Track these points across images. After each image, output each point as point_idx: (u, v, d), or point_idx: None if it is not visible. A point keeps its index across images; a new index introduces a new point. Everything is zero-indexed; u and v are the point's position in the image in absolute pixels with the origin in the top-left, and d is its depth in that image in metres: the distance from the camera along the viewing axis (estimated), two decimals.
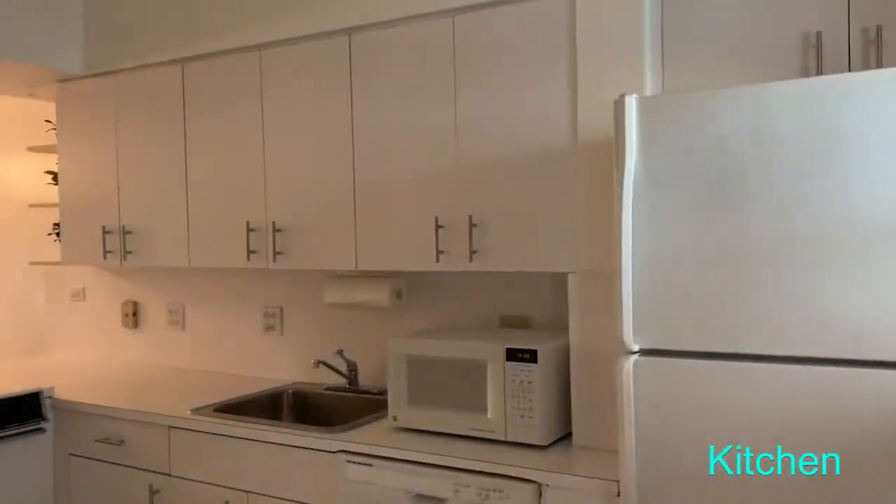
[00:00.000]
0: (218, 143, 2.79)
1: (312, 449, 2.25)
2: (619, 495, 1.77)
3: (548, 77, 2.14)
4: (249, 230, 2.70)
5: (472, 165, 2.27)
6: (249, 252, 2.70)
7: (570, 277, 2.06)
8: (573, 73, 2.08)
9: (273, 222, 2.65)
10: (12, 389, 2.73)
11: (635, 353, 1.64)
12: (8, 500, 2.65)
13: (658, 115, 1.63)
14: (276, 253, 2.65)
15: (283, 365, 3.09)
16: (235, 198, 2.75)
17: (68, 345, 3.75)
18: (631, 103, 1.64)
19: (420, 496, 2.05)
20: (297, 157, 2.61)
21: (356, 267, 2.50)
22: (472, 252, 2.25)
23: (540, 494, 1.89)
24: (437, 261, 2.32)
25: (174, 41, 2.86)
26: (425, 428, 2.20)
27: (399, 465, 2.08)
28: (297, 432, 2.28)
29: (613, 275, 1.70)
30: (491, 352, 2.09)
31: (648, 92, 1.97)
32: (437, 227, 2.31)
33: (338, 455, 2.19)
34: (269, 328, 3.12)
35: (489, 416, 2.09)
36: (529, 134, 2.18)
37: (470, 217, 2.25)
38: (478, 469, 1.97)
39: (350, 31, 2.48)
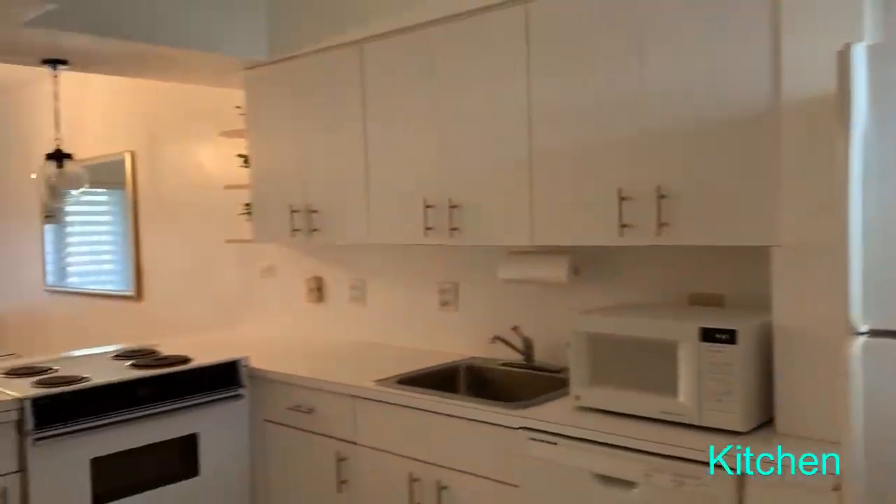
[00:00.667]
0: (395, 122, 2.84)
1: (495, 424, 2.24)
2: (834, 490, 1.61)
3: (746, 31, 1.96)
4: (427, 207, 2.72)
5: (660, 132, 2.13)
6: (426, 229, 2.73)
7: (775, 251, 1.88)
8: (775, 24, 1.89)
9: (449, 199, 2.65)
10: (214, 358, 2.95)
11: (864, 333, 1.47)
12: (215, 457, 2.87)
13: (892, 66, 1.43)
14: (452, 229, 2.66)
15: (458, 340, 3.11)
16: (413, 175, 2.78)
17: (258, 318, 4.01)
18: (859, 53, 1.45)
19: (607, 478, 1.98)
20: (473, 132, 2.59)
21: (532, 242, 2.45)
22: (661, 225, 2.12)
23: (742, 485, 1.76)
24: (621, 235, 2.22)
25: (352, 23, 2.93)
26: (609, 409, 2.12)
27: (585, 445, 2.02)
28: (482, 407, 2.28)
29: (828, 248, 1.53)
30: (683, 331, 1.97)
31: (869, 40, 1.74)
32: (621, 199, 2.20)
33: (519, 432, 2.17)
34: (444, 304, 3.15)
35: (680, 399, 1.97)
36: (724, 95, 2.01)
37: (657, 187, 2.12)
38: (671, 454, 1.87)
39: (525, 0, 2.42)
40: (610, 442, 1.98)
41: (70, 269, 5.82)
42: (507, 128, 2.49)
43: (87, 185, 3.23)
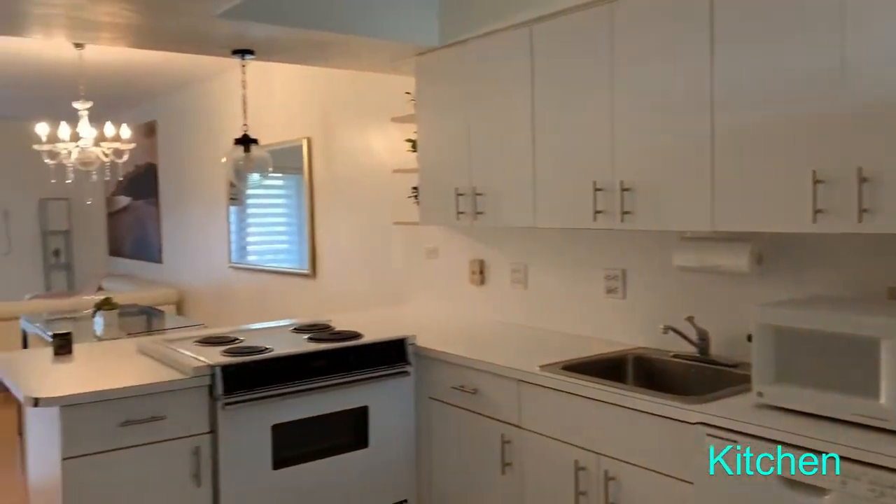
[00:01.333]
0: (564, 103, 2.78)
1: (667, 418, 2.14)
2: None
3: None
4: (596, 190, 2.65)
5: (863, 109, 1.93)
6: (596, 212, 2.66)
7: None
8: None
9: (621, 181, 2.57)
10: (383, 335, 3.05)
11: None
12: (383, 430, 2.98)
13: None
14: (623, 213, 2.57)
15: (624, 329, 3.02)
16: (582, 158, 2.72)
17: (422, 298, 4.11)
18: None
19: (794, 482, 1.84)
20: (647, 112, 2.48)
21: (713, 227, 2.32)
22: (862, 211, 1.93)
23: None
24: (814, 221, 2.04)
25: (522, 5, 2.90)
26: (796, 408, 1.97)
27: (769, 445, 1.89)
28: (657, 399, 2.19)
29: None
30: (888, 328, 1.78)
31: None
32: (815, 182, 2.03)
33: (696, 427, 2.06)
34: (610, 290, 3.07)
35: (882, 401, 1.79)
36: None
37: (859, 169, 1.93)
38: (871, 461, 1.70)
39: None
40: (799, 444, 1.84)
41: (249, 247, 6.27)
42: (687, 105, 2.36)
43: (270, 169, 3.44)
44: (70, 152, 4.87)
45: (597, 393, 2.35)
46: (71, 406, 2.34)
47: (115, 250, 9.24)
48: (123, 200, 8.83)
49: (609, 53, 2.59)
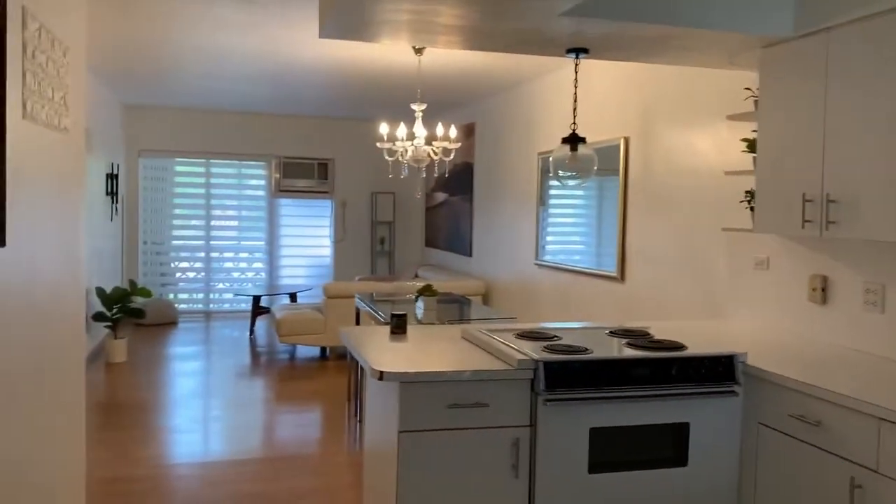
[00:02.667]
0: None
1: None
2: None
3: None
4: None
5: None
6: None
7: None
8: None
9: None
10: (707, 349, 2.85)
11: None
12: (704, 450, 2.78)
13: None
14: None
15: None
16: None
17: (748, 312, 3.78)
18: None
19: None
20: None
21: None
22: None
23: None
24: None
25: None
26: None
27: None
28: None
29: None
30: None
31: None
32: None
33: None
34: None
35: None
36: None
37: None
38: None
39: None
40: None
41: (547, 247, 6.34)
42: None
43: (595, 169, 3.40)
44: (406, 150, 5.32)
45: None
46: (409, 383, 2.52)
47: (430, 241, 10.00)
48: (440, 196, 9.51)
49: None
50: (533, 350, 2.73)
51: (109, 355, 6.99)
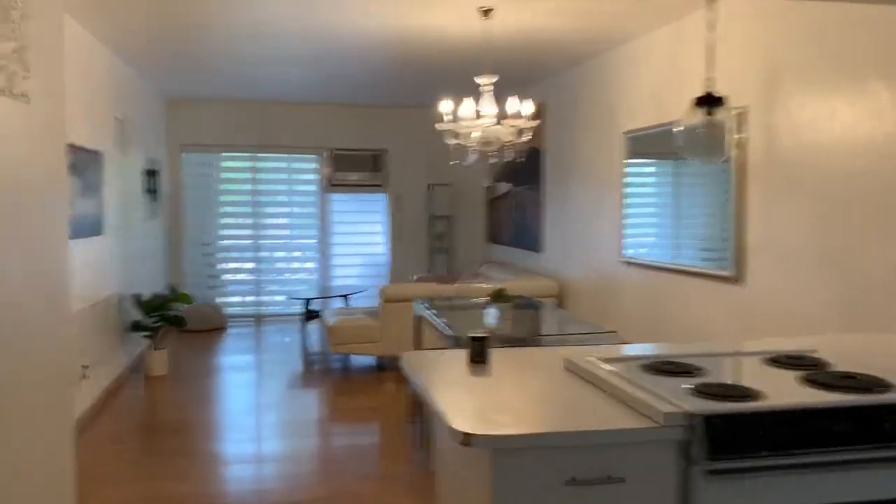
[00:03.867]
0: None
1: None
2: None
3: None
4: None
5: None
6: None
7: None
8: None
9: None
10: None
11: None
12: None
13: None
14: None
15: None
16: None
17: None
18: None
19: None
20: None
21: None
22: None
23: None
24: None
25: None
26: None
27: None
28: None
29: None
30: None
31: None
32: None
33: None
34: None
35: None
36: None
37: None
38: None
39: None
40: None
41: (634, 240, 5.47)
42: None
43: (739, 136, 2.54)
44: (472, 132, 4.52)
45: None
46: (508, 451, 1.73)
47: (493, 237, 9.18)
48: (503, 187, 8.68)
49: None
50: (680, 395, 1.91)
51: (149, 368, 6.40)
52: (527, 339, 3.81)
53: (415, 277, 9.09)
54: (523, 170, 7.91)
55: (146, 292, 6.87)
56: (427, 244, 9.73)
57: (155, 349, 6.42)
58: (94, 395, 5.28)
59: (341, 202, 9.58)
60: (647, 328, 5.11)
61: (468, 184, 9.59)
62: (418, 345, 5.05)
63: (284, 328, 8.80)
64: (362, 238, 9.68)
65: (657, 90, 5.00)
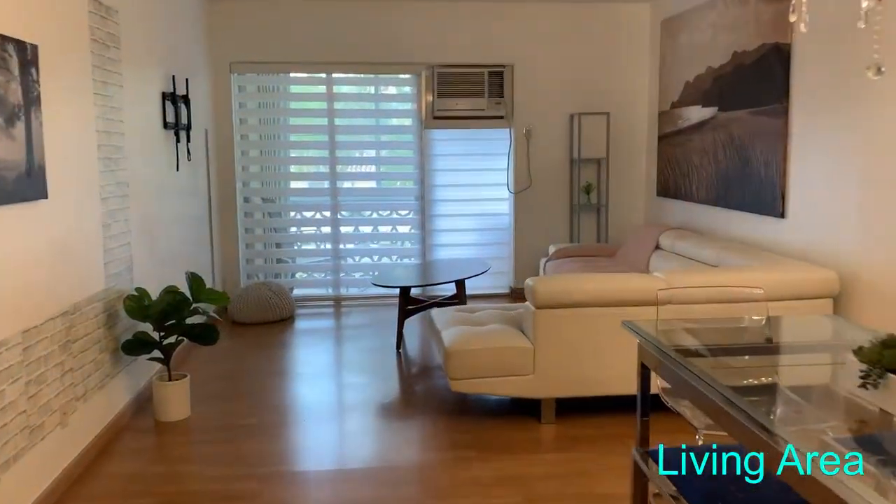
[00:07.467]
0: None
1: None
2: None
3: None
4: None
5: None
6: None
7: None
8: None
9: None
10: None
11: None
12: None
13: None
14: None
15: None
16: None
17: None
18: None
19: None
20: None
21: None
22: None
23: None
24: None
25: None
26: None
27: None
28: None
29: None
30: None
31: None
32: None
33: None
34: None
35: None
36: None
37: None
38: None
39: None
40: None
41: None
42: None
43: None
44: None
45: None
46: None
47: (667, 189, 6.33)
48: (696, 112, 5.80)
49: None
50: None
51: (158, 410, 4.00)
52: None
53: (552, 250, 6.39)
54: (747, 84, 4.99)
55: (165, 283, 4.47)
56: (569, 200, 6.97)
57: (169, 379, 4.01)
58: (65, 458, 2.89)
59: (446, 143, 6.91)
60: None
61: (633, 112, 6.75)
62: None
63: (372, 315, 6.32)
64: (477, 193, 7.01)
65: None
